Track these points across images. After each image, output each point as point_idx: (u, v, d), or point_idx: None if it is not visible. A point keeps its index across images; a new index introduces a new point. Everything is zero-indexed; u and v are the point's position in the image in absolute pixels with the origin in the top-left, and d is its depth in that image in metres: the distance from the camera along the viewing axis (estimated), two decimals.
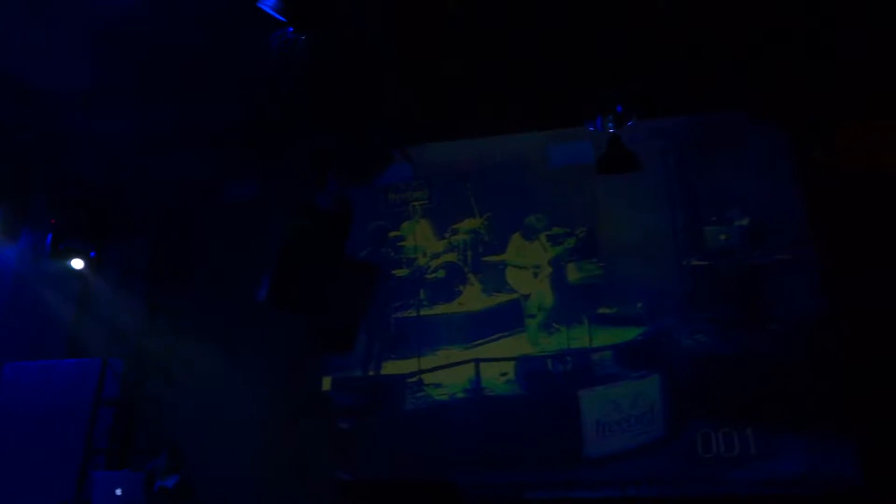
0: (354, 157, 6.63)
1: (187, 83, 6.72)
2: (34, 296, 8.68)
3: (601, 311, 7.92)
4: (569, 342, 7.90)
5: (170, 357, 8.41)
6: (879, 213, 6.87)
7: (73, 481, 7.59)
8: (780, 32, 6.43)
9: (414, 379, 8.13)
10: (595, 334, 7.84)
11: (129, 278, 8.67)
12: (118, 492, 6.46)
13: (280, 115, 7.09)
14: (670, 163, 8.07)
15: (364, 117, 6.47)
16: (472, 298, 8.34)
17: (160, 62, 6.44)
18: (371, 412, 8.12)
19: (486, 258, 8.43)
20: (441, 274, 8.50)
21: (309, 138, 6.43)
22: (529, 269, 8.23)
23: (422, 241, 8.66)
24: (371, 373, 8.31)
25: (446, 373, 8.08)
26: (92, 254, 7.92)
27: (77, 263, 8.00)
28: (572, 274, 8.08)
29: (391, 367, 8.28)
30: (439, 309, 8.38)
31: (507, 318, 8.17)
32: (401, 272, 8.57)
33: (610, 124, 6.85)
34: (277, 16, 5.02)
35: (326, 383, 8.32)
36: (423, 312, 8.40)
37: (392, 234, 8.71)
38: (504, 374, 7.96)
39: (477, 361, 8.04)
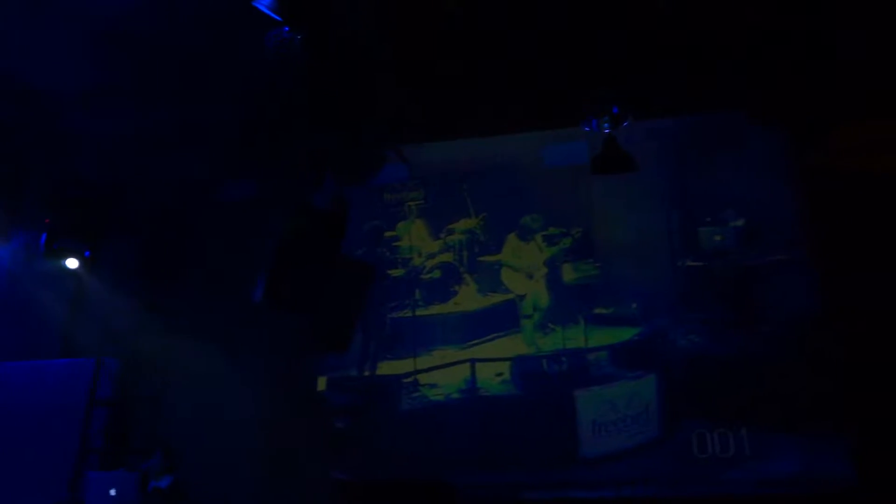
0: (350, 156, 6.62)
1: (183, 83, 6.71)
2: (28, 295, 8.65)
3: (597, 311, 7.93)
4: (564, 342, 7.90)
5: (164, 357, 8.38)
6: (873, 215, 6.89)
7: (67, 481, 7.56)
8: (777, 33, 6.44)
9: (409, 379, 8.13)
10: (591, 334, 7.84)
11: (124, 278, 8.64)
12: (112, 492, 6.44)
13: (276, 115, 7.08)
14: (666, 163, 8.08)
15: (360, 117, 6.46)
16: (468, 298, 8.34)
17: (156, 62, 6.42)
18: (366, 412, 8.11)
19: (481, 258, 8.43)
20: (436, 274, 8.50)
21: (305, 138, 6.43)
22: (525, 269, 8.23)
23: (417, 241, 8.66)
24: (366, 373, 8.30)
25: (442, 373, 8.08)
26: (86, 253, 7.89)
27: (71, 263, 7.97)
28: (568, 274, 8.08)
29: (386, 368, 8.27)
30: (435, 309, 8.37)
31: (503, 319, 8.17)
32: (396, 272, 8.57)
33: (605, 125, 6.85)
34: (273, 15, 5.01)
35: (322, 383, 8.31)
36: (418, 312, 8.40)
37: (388, 234, 8.71)
38: (500, 375, 7.96)
39: (472, 362, 8.04)
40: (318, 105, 6.11)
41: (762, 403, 7.05)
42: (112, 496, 6.42)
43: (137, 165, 7.94)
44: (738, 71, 6.86)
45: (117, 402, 8.33)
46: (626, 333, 7.76)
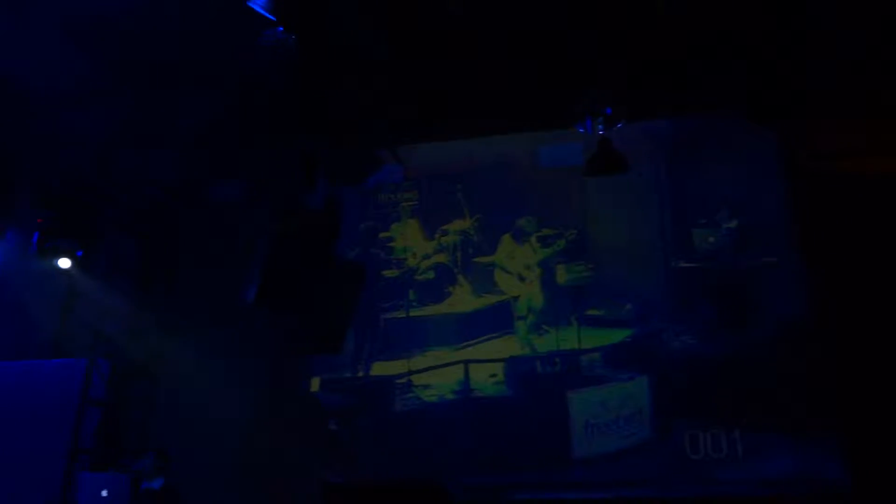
0: (345, 157, 6.61)
1: (176, 82, 6.69)
2: (20, 295, 8.61)
3: (590, 312, 7.94)
4: (558, 344, 7.91)
5: (157, 358, 8.36)
6: (866, 217, 6.91)
7: (59, 482, 7.53)
8: (770, 35, 6.46)
9: (403, 380, 8.12)
10: (584, 336, 7.85)
11: (117, 278, 8.61)
12: (104, 493, 6.41)
13: (270, 115, 7.07)
14: (659, 165, 8.10)
15: (354, 118, 6.46)
16: (462, 299, 8.34)
17: (148, 61, 6.41)
18: (360, 413, 8.10)
19: (475, 259, 8.43)
20: (430, 275, 8.49)
21: (299, 138, 6.41)
22: (519, 270, 8.23)
23: (411, 241, 8.65)
24: (360, 374, 8.29)
25: (435, 374, 8.07)
26: (79, 253, 7.86)
27: (63, 263, 7.93)
28: (561, 275, 8.09)
29: (380, 368, 8.26)
30: (429, 310, 8.37)
31: (497, 320, 8.17)
32: (390, 273, 8.56)
33: (599, 126, 6.86)
34: (267, 15, 5.01)
35: (315, 384, 8.29)
36: (412, 313, 8.39)
37: (382, 234, 8.70)
38: (493, 376, 7.96)
39: (466, 363, 8.04)
40: (312, 105, 6.10)
41: (755, 404, 7.07)
42: (104, 497, 6.39)
43: (130, 165, 7.92)
44: (732, 72, 6.87)
45: (109, 403, 8.30)
46: (619, 335, 7.78)
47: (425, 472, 7.51)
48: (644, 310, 7.78)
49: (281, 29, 5.24)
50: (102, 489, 6.44)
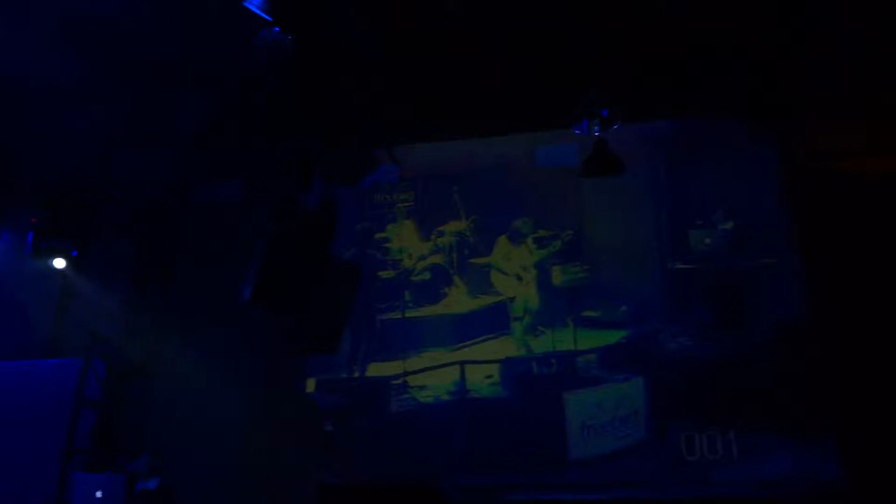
0: (341, 157, 6.61)
1: (172, 83, 6.68)
2: (15, 295, 8.59)
3: (585, 313, 7.94)
4: (554, 345, 7.91)
5: (153, 358, 8.34)
6: (862, 218, 6.92)
7: (54, 483, 7.51)
8: (766, 37, 6.47)
9: (399, 381, 8.11)
10: (580, 337, 7.85)
11: (112, 278, 8.59)
12: (99, 494, 6.41)
13: (266, 115, 7.07)
14: (656, 166, 8.10)
15: (350, 118, 6.46)
16: (458, 300, 8.34)
17: (145, 61, 6.40)
18: (355, 414, 8.09)
19: (471, 260, 8.43)
20: (426, 276, 8.49)
21: (295, 138, 6.40)
22: (515, 271, 8.23)
23: (407, 242, 8.64)
24: (356, 375, 8.28)
25: (431, 375, 8.07)
26: (74, 253, 7.84)
27: (59, 263, 7.92)
28: (557, 277, 8.09)
29: (376, 369, 8.25)
30: (425, 311, 8.37)
31: (493, 321, 8.17)
32: (386, 273, 8.55)
33: (596, 127, 6.86)
34: (264, 15, 5.00)
35: (311, 385, 8.28)
36: (408, 314, 8.38)
37: (378, 235, 8.69)
38: (489, 377, 7.96)
39: (462, 364, 8.03)
40: (308, 105, 6.10)
41: (751, 405, 7.08)
42: (98, 498, 6.38)
43: (126, 165, 7.90)
44: (732, 72, 6.89)
45: (104, 404, 8.28)
46: (615, 336, 7.78)
47: (421, 472, 7.50)
48: (640, 311, 7.79)
49: (277, 29, 5.23)
50: (97, 490, 6.44)
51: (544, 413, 7.62)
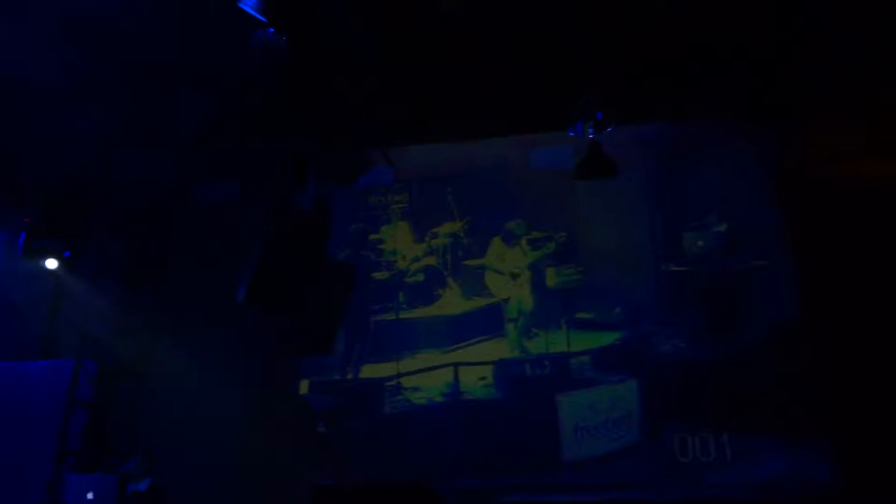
0: (335, 158, 6.60)
1: (166, 82, 6.66)
2: (6, 296, 8.54)
3: (579, 315, 7.95)
4: (547, 346, 7.92)
5: (145, 359, 8.31)
6: (854, 221, 6.95)
7: (46, 484, 7.47)
8: (760, 40, 6.49)
9: (392, 382, 8.11)
10: (573, 339, 7.86)
11: (104, 279, 8.56)
12: (90, 495, 6.38)
13: (260, 116, 7.05)
14: (649, 169, 8.12)
15: (345, 119, 6.45)
16: (452, 302, 8.34)
17: (138, 61, 6.38)
18: (349, 416, 8.08)
19: (465, 262, 8.43)
20: (420, 277, 8.49)
21: (289, 139, 6.40)
22: (509, 273, 8.24)
23: (401, 244, 8.64)
24: (349, 376, 8.27)
25: (425, 376, 8.06)
26: (66, 253, 7.80)
27: (51, 263, 7.88)
28: (551, 278, 8.10)
29: (369, 371, 8.25)
30: (419, 312, 8.37)
31: (487, 322, 8.17)
32: (380, 275, 8.55)
33: (590, 130, 6.88)
34: (258, 16, 5.00)
35: (304, 386, 8.27)
36: (402, 315, 8.38)
37: (372, 236, 8.69)
38: (483, 379, 7.96)
39: (456, 365, 8.03)
40: (302, 106, 6.09)
41: (744, 408, 7.10)
42: (90, 499, 6.35)
43: (119, 166, 7.87)
44: (722, 77, 6.90)
45: (97, 404, 8.24)
46: (608, 338, 7.79)
47: (415, 474, 7.50)
48: (634, 313, 7.80)
49: (272, 30, 5.23)
50: (89, 491, 6.40)
51: (538, 415, 7.63)
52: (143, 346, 8.31)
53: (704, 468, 7.10)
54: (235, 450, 7.76)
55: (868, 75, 6.52)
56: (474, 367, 7.98)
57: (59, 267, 7.92)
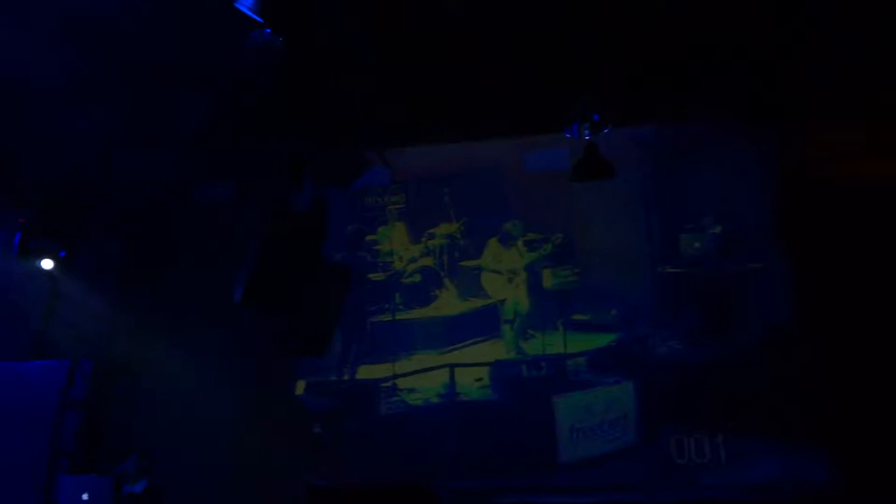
0: (332, 159, 6.59)
1: (162, 83, 6.65)
2: (1, 296, 8.51)
3: (575, 317, 7.96)
4: (544, 348, 7.92)
5: (140, 359, 8.29)
6: (850, 223, 6.96)
7: (40, 485, 7.44)
8: (756, 42, 6.50)
9: (388, 384, 8.10)
10: (570, 340, 7.86)
11: (100, 279, 8.53)
12: (85, 496, 6.35)
13: (256, 116, 7.04)
14: (646, 170, 8.13)
15: (341, 119, 6.44)
16: (448, 303, 8.34)
17: (135, 61, 6.36)
18: (345, 417, 8.07)
19: (462, 263, 8.43)
20: (417, 278, 8.49)
21: (285, 140, 6.39)
22: (505, 274, 8.24)
23: (398, 245, 8.64)
24: (345, 377, 8.27)
25: (421, 378, 8.07)
26: (62, 254, 7.78)
27: (46, 263, 7.85)
28: (548, 280, 8.10)
29: (366, 372, 8.24)
30: (415, 313, 8.37)
31: (483, 324, 8.18)
32: (377, 276, 8.54)
33: (586, 131, 6.88)
34: (255, 16, 4.99)
35: (300, 387, 8.26)
36: (398, 316, 8.38)
37: (368, 237, 8.69)
38: (479, 380, 7.96)
39: (452, 367, 8.03)
40: (299, 107, 6.08)
41: (739, 409, 7.11)
42: (85, 501, 6.32)
43: (116, 166, 7.86)
44: (718, 79, 6.91)
45: (92, 405, 8.22)
46: (605, 339, 7.80)
47: (411, 475, 7.49)
48: (630, 315, 7.81)
49: (268, 31, 5.22)
50: (83, 492, 6.37)
51: (534, 416, 7.63)
52: (139, 347, 8.29)
53: (700, 470, 7.11)
54: (231, 450, 7.74)
55: (868, 75, 6.51)
56: (470, 369, 7.99)
57: (55, 267, 7.89)
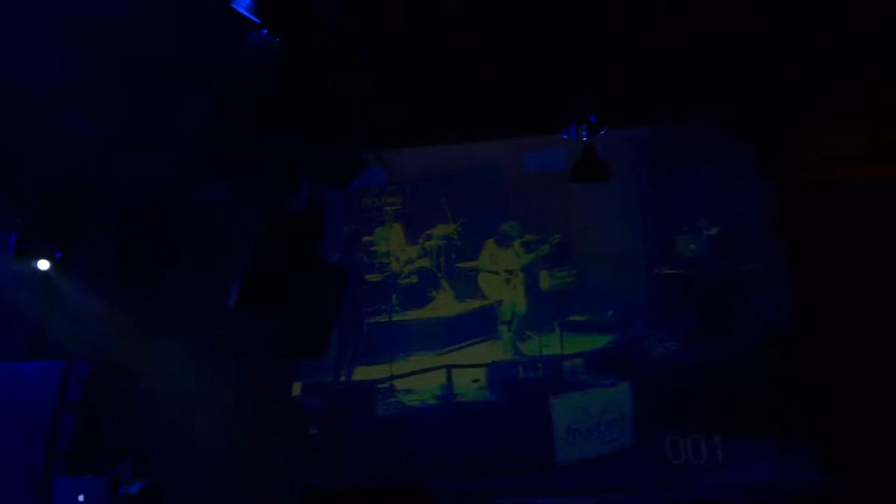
0: (329, 160, 6.59)
1: (159, 83, 6.64)
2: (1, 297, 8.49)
3: (572, 318, 7.96)
4: (541, 349, 7.93)
5: (137, 360, 8.27)
6: (845, 224, 6.97)
7: (36, 486, 7.42)
8: (751, 45, 6.50)
9: (385, 385, 8.10)
10: (566, 341, 7.87)
11: (96, 280, 8.51)
12: (81, 498, 6.33)
13: (254, 117, 7.04)
14: (643, 172, 8.14)
15: (339, 120, 6.45)
16: (445, 304, 8.34)
17: (132, 62, 6.35)
18: (342, 418, 8.07)
19: (459, 264, 8.43)
20: (414, 279, 8.49)
21: (283, 140, 6.39)
22: (502, 275, 8.24)
23: (395, 246, 8.64)
24: (342, 378, 8.26)
25: (418, 379, 8.07)
26: (58, 254, 7.76)
27: (42, 264, 7.84)
28: (545, 281, 8.11)
29: (362, 373, 8.24)
30: (412, 314, 8.36)
31: (480, 325, 8.18)
32: (374, 277, 8.54)
33: (583, 133, 6.89)
34: (252, 17, 4.99)
35: (297, 389, 8.25)
36: (395, 318, 8.37)
37: (365, 238, 8.68)
38: (476, 381, 7.96)
39: (449, 368, 8.03)
40: (296, 107, 6.08)
41: (736, 410, 7.11)
42: (81, 502, 6.30)
43: (111, 166, 7.84)
44: (714, 81, 6.91)
45: (88, 406, 8.20)
46: (601, 340, 7.81)
47: (408, 476, 7.48)
48: (626, 316, 7.82)
49: (265, 31, 5.22)
50: (79, 494, 6.35)
51: (531, 417, 7.63)
52: (136, 347, 8.27)
53: (696, 470, 7.12)
54: (228, 451, 7.72)
55: (868, 75, 6.52)
56: (467, 370, 7.99)
57: (52, 268, 7.88)
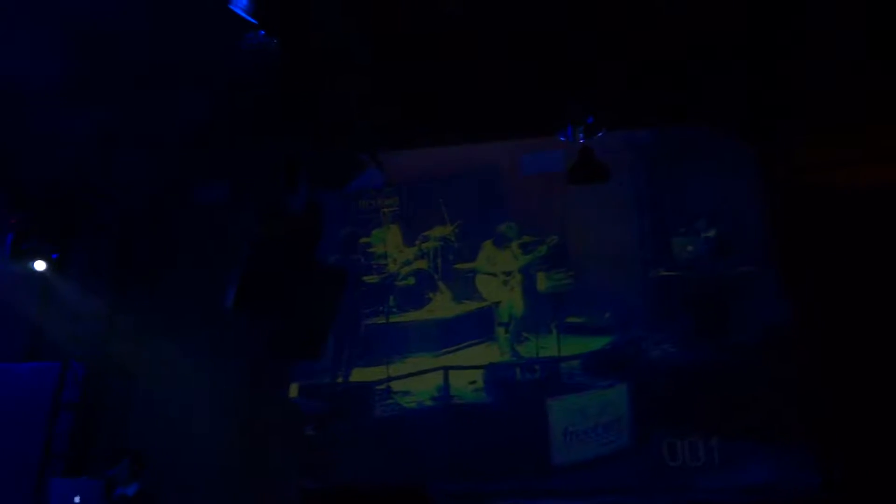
0: (326, 161, 6.59)
1: (157, 83, 6.64)
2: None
3: (569, 320, 7.96)
4: (538, 351, 7.92)
5: (134, 361, 8.26)
6: (842, 227, 6.98)
7: (31, 488, 7.40)
8: (750, 48, 6.51)
9: (382, 386, 8.09)
10: (564, 343, 7.87)
11: (93, 280, 8.50)
12: (76, 499, 6.30)
13: (251, 118, 7.04)
14: (640, 174, 8.15)
15: (336, 122, 6.44)
16: (442, 306, 8.33)
17: (129, 62, 6.35)
18: (339, 420, 8.05)
19: (456, 266, 8.43)
20: (411, 281, 8.48)
21: (280, 142, 6.38)
22: (500, 276, 8.24)
23: (392, 247, 8.63)
24: (339, 380, 8.25)
25: (415, 380, 8.05)
26: (54, 255, 7.75)
27: (39, 265, 7.82)
28: (542, 282, 8.11)
29: (359, 375, 8.22)
30: (409, 316, 8.35)
31: (477, 326, 8.17)
32: (371, 278, 8.53)
33: (581, 135, 6.89)
34: (249, 18, 4.99)
35: (294, 390, 8.23)
36: (392, 319, 8.36)
37: (362, 240, 8.67)
38: (473, 383, 7.95)
39: (446, 369, 8.02)
40: (294, 109, 6.08)
41: (733, 412, 7.12)
42: (76, 503, 6.28)
43: (108, 166, 7.83)
44: (714, 82, 6.92)
45: (84, 407, 8.17)
46: (598, 342, 7.80)
47: (404, 478, 7.48)
48: (624, 318, 7.82)
49: (263, 32, 5.22)
50: (75, 495, 6.32)
51: (528, 419, 7.62)
52: (133, 348, 8.26)
53: (694, 473, 7.11)
54: (224, 452, 7.71)
55: (868, 76, 6.52)
56: (465, 371, 7.97)
57: (48, 269, 7.86)
